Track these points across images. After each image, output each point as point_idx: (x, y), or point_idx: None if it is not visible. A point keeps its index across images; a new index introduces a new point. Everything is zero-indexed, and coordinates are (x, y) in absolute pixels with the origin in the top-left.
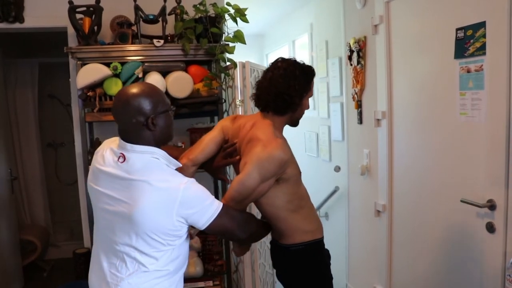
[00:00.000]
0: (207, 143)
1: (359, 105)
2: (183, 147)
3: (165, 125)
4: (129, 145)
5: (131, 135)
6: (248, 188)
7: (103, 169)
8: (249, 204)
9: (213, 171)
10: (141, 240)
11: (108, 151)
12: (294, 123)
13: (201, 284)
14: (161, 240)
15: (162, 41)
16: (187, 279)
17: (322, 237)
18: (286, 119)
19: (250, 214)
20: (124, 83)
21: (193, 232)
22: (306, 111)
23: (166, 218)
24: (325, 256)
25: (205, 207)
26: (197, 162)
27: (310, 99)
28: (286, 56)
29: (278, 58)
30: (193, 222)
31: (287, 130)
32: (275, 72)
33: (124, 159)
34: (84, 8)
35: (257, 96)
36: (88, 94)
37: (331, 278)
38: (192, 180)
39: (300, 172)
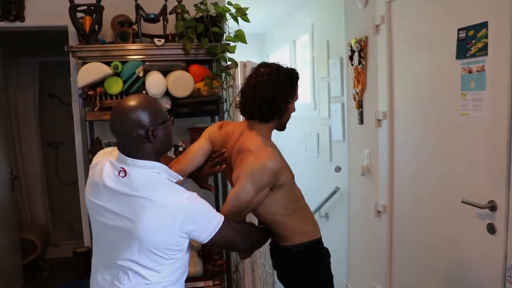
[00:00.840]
0: (195, 153)
1: (360, 105)
2: (183, 146)
3: (165, 135)
4: (130, 160)
5: (131, 149)
6: (244, 201)
7: (104, 183)
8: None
9: (199, 180)
10: (144, 255)
11: (108, 164)
12: (281, 128)
13: (201, 283)
14: (164, 255)
15: (163, 40)
16: (187, 279)
17: (320, 237)
18: (273, 125)
19: (251, 224)
20: (124, 82)
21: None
22: (306, 112)
23: (169, 234)
24: (325, 255)
25: (207, 222)
26: (185, 173)
27: (310, 99)
28: (287, 56)
29: (261, 63)
30: (195, 236)
31: (287, 130)
32: (259, 78)
33: (125, 173)
34: (85, 7)
35: (242, 104)
36: (88, 93)
37: (331, 277)
38: (194, 195)
39: (293, 176)
